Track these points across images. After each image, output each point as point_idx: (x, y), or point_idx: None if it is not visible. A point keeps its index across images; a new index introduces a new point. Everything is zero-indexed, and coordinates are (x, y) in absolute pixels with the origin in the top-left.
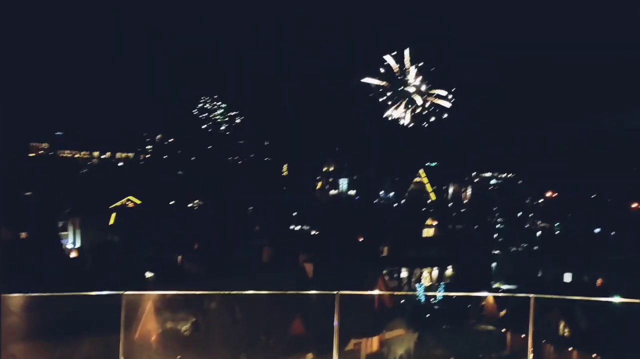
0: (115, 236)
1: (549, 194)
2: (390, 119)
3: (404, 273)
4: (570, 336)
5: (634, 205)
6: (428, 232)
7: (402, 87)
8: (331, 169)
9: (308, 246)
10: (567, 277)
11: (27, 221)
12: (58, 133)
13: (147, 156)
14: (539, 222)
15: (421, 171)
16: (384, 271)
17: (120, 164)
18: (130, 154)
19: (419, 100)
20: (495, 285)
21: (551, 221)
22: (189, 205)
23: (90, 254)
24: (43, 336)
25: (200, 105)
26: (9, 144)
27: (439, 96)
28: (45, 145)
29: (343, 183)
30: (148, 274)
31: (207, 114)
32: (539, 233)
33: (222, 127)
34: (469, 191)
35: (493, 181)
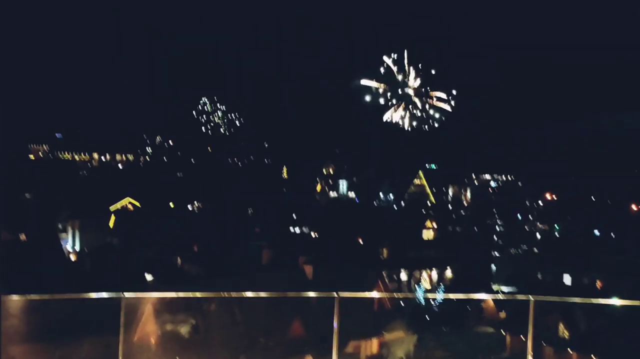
0: (115, 238)
1: (548, 195)
2: (389, 121)
3: (403, 275)
4: (570, 338)
5: (634, 207)
6: (428, 234)
7: (402, 89)
8: (331, 171)
9: (308, 248)
10: (567, 279)
11: (27, 222)
12: (58, 135)
13: (146, 158)
14: (538, 224)
15: (421, 173)
16: (384, 273)
17: (120, 165)
18: (130, 156)
19: (418, 102)
20: (495, 287)
21: (551, 223)
22: (189, 207)
23: (90, 256)
24: (43, 338)
25: (199, 106)
26: (9, 145)
27: (439, 99)
28: (45, 147)
29: (343, 185)
30: (148, 276)
31: (206, 115)
32: (538, 235)
33: (222, 129)
34: (468, 193)
35: (492, 183)
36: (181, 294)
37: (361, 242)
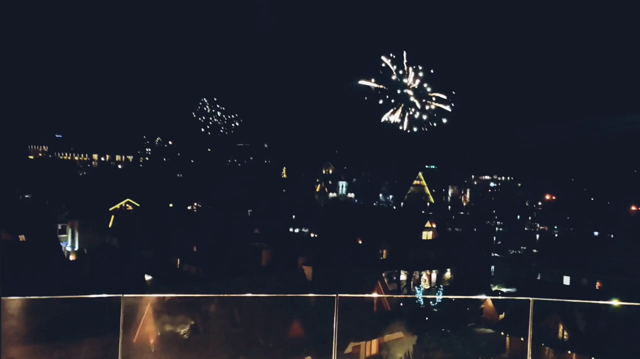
0: (114, 239)
1: (548, 196)
2: (388, 122)
3: (403, 276)
4: (569, 339)
5: (633, 208)
6: (427, 235)
7: (401, 89)
8: (330, 171)
9: (307, 249)
10: (566, 280)
11: (26, 223)
12: (57, 136)
13: (146, 159)
14: (538, 225)
15: (420, 174)
16: (383, 274)
17: (119, 166)
18: (130, 157)
19: (417, 103)
20: (495, 288)
21: (550, 224)
22: (188, 208)
23: (89, 256)
24: (42, 339)
25: (199, 107)
26: (9, 146)
27: (438, 99)
28: (44, 147)
29: (342, 186)
30: (147, 277)
31: (206, 116)
32: (538, 236)
33: (221, 130)
34: (468, 194)
35: (492, 184)
36: (180, 295)
37: (361, 243)
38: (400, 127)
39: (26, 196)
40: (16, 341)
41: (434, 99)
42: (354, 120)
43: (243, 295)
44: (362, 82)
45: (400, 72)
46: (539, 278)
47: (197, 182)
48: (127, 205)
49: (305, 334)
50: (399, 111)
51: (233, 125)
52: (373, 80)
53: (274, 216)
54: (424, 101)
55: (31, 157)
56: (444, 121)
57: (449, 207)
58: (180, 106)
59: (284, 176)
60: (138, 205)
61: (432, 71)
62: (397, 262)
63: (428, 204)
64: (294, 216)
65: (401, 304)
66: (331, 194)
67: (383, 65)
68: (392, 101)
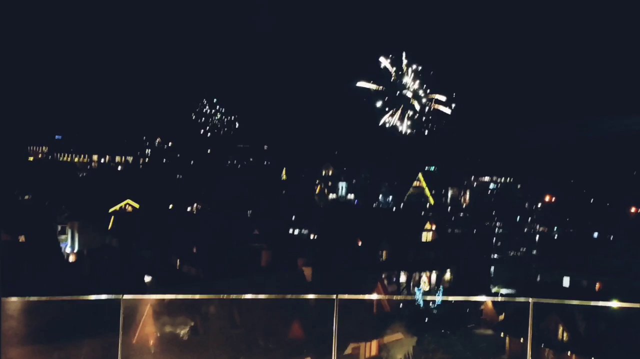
0: (114, 240)
1: (547, 198)
2: (388, 125)
3: (402, 277)
4: (569, 340)
5: (633, 209)
6: (427, 236)
7: (400, 91)
8: (330, 173)
9: (307, 250)
10: (566, 281)
11: (26, 224)
12: (57, 137)
13: (146, 160)
14: (537, 226)
15: (420, 175)
16: (383, 275)
17: (119, 167)
18: (130, 158)
19: (417, 105)
20: (494, 289)
21: (550, 225)
22: (188, 209)
23: (89, 257)
24: (42, 339)
25: (198, 108)
26: (9, 147)
27: (438, 101)
28: (44, 148)
29: (342, 187)
30: (147, 278)
31: (205, 117)
32: (537, 237)
33: (221, 131)
34: (467, 195)
35: (492, 185)
36: (180, 296)
37: (360, 244)
38: (400, 129)
39: (26, 197)
40: (16, 341)
41: (433, 100)
42: (354, 121)
43: (243, 296)
44: (361, 84)
45: (400, 73)
46: (538, 279)
47: (197, 183)
48: (127, 206)
49: (305, 335)
50: (399, 112)
51: (233, 126)
52: (372, 82)
53: (274, 216)
54: (423, 102)
55: (31, 158)
56: (444, 122)
57: (449, 208)
58: (180, 107)
59: (284, 177)
60: (138, 206)
61: (431, 72)
62: (396, 264)
63: (428, 205)
64: (293, 217)
65: (401, 305)
66: (331, 195)
67: (382, 66)
68: (392, 102)
